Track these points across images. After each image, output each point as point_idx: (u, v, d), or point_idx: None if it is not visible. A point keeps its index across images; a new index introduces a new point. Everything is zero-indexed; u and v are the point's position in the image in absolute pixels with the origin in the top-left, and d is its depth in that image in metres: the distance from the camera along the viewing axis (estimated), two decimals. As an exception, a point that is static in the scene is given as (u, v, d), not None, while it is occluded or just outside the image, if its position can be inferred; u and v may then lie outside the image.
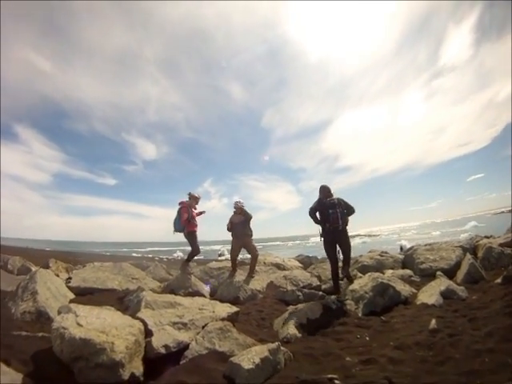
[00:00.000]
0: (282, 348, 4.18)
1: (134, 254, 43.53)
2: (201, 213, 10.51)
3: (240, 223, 10.01)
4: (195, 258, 10.90)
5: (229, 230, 10.24)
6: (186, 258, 10.35)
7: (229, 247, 10.93)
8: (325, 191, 8.72)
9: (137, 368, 3.89)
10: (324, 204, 8.34)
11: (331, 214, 8.09)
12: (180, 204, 10.16)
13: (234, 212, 10.18)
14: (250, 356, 3.86)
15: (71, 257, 23.07)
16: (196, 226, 10.11)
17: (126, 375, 3.64)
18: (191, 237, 10.08)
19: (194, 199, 10.25)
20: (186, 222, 9.83)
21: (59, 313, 4.66)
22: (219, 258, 28.61)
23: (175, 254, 44.44)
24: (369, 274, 7.74)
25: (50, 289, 7.24)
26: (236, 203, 10.18)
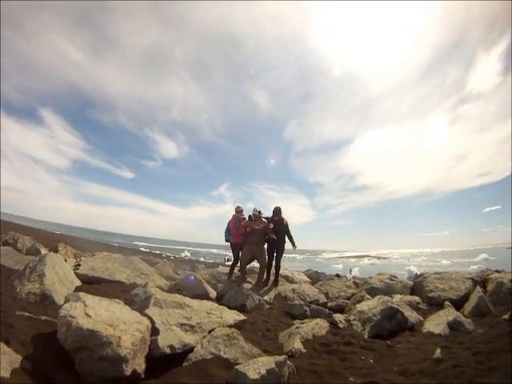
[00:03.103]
0: (287, 362, 4.17)
1: (142, 249, 43.59)
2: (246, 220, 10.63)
3: (258, 231, 10.03)
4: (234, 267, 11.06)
5: (241, 234, 10.31)
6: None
7: None
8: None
9: (139, 365, 3.90)
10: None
11: None
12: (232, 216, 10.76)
13: (252, 219, 10.21)
14: (256, 366, 3.84)
15: (80, 243, 23.20)
16: (237, 237, 10.45)
17: (128, 371, 3.66)
18: (231, 247, 10.75)
19: (237, 212, 10.65)
20: (233, 232, 10.54)
21: (67, 300, 4.67)
22: (226, 263, 28.55)
23: (183, 254, 44.48)
24: (378, 296, 7.67)
25: (58, 273, 7.34)
26: (257, 211, 10.29)
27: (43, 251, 11.50)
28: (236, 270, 10.75)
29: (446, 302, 8.43)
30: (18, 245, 11.64)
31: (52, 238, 21.33)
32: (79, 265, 9.31)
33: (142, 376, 3.87)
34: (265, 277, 10.48)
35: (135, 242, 69.64)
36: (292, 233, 10.59)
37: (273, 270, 10.74)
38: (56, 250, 11.71)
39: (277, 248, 10.52)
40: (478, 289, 8.37)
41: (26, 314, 5.14)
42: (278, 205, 10.63)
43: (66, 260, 9.49)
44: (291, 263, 46.43)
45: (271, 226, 10.25)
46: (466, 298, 8.70)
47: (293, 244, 10.63)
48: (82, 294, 4.82)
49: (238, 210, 10.54)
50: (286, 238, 10.57)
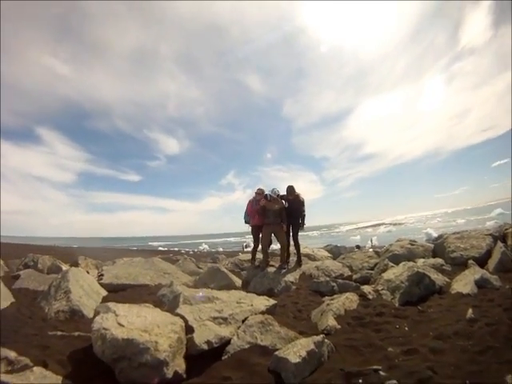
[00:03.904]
0: (325, 340, 4.21)
1: (161, 248, 43.69)
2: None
3: (274, 211, 10.09)
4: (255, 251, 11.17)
5: (260, 215, 10.31)
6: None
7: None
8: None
9: (179, 366, 3.91)
10: None
11: None
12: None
13: (269, 200, 10.23)
14: (295, 349, 3.86)
15: (99, 253, 23.26)
16: (257, 220, 10.41)
17: (169, 373, 3.67)
18: (251, 231, 10.71)
19: (257, 194, 10.62)
20: (252, 215, 10.51)
21: (98, 313, 4.65)
22: (245, 250, 28.60)
23: (201, 247, 44.61)
24: (403, 263, 7.73)
25: (83, 286, 7.40)
26: (275, 193, 10.38)
27: (64, 267, 11.54)
28: (259, 255, 10.80)
29: (470, 261, 8.46)
30: (39, 265, 11.65)
31: (70, 253, 21.38)
32: (102, 275, 9.43)
33: (184, 376, 3.88)
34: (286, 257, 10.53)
35: (152, 243, 69.76)
36: (306, 212, 10.64)
37: (293, 250, 10.81)
38: (77, 264, 11.82)
39: (292, 226, 10.60)
40: (500, 244, 8.43)
41: (59, 332, 5.21)
42: (288, 184, 10.69)
43: (88, 272, 9.67)
44: (309, 240, 46.56)
45: (286, 205, 10.44)
46: (488, 254, 8.77)
47: (302, 224, 10.71)
48: (111, 304, 4.83)
49: (258, 193, 10.53)
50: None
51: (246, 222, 10.77)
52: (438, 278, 7.15)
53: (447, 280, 7.34)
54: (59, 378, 3.59)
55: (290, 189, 10.58)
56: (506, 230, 9.89)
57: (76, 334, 5.14)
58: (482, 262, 8.47)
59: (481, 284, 6.48)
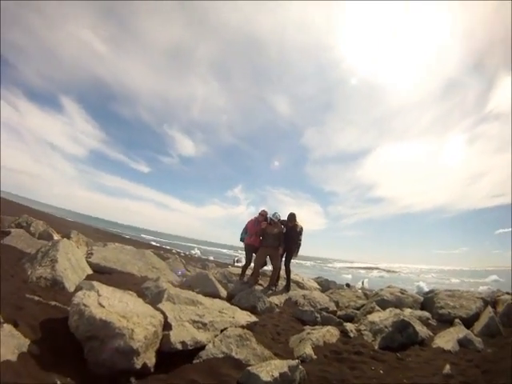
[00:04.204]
0: (300, 366, 4.19)
1: (153, 243, 43.66)
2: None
3: (273, 234, 10.16)
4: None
5: (257, 236, 10.36)
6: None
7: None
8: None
9: (149, 359, 3.91)
10: None
11: None
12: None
13: (269, 223, 10.29)
14: (269, 369, 3.87)
15: (92, 232, 23.37)
16: (253, 239, 10.46)
17: (138, 364, 3.67)
18: (245, 248, 10.73)
19: (260, 215, 10.60)
20: (251, 232, 10.53)
21: (80, 288, 4.73)
22: (235, 264, 28.61)
23: (193, 251, 44.60)
24: (390, 309, 7.72)
25: (70, 260, 7.42)
26: (276, 218, 10.44)
27: (56, 237, 11.66)
28: (248, 272, 10.81)
29: (456, 320, 8.40)
30: (31, 228, 11.73)
31: (64, 225, 21.52)
32: (92, 253, 9.42)
33: (152, 370, 3.89)
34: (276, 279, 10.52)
35: (145, 236, 69.76)
36: (302, 241, 10.70)
37: (283, 275, 10.85)
38: (69, 237, 11.77)
39: (287, 251, 10.64)
40: (489, 309, 8.34)
41: (36, 297, 5.18)
42: (291, 211, 10.93)
43: (77, 247, 9.60)
44: (301, 269, 46.31)
45: (284, 230, 10.46)
46: (476, 317, 8.68)
47: (296, 252, 10.75)
48: (95, 283, 4.90)
49: (262, 214, 10.54)
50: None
51: (241, 240, 10.79)
52: (422, 331, 7.09)
53: (431, 334, 7.27)
54: (27, 341, 3.59)
55: (292, 216, 10.65)
56: (498, 296, 9.87)
57: (53, 303, 5.10)
58: (468, 323, 8.37)
59: (463, 343, 6.44)
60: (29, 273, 6.55)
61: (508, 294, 10.41)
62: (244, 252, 10.91)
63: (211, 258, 39.41)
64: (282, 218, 10.61)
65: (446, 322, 8.66)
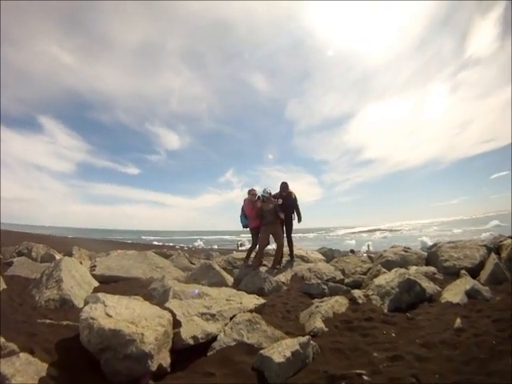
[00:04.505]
0: (311, 342, 4.19)
1: (155, 243, 43.74)
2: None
3: (269, 211, 10.17)
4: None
5: (258, 217, 10.34)
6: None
7: (249, 237, 11.06)
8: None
9: (164, 359, 3.91)
10: None
11: None
12: (244, 201, 10.84)
13: (263, 200, 10.31)
14: (280, 349, 3.86)
15: (93, 244, 23.35)
16: (256, 221, 10.47)
17: (154, 366, 3.66)
18: (251, 233, 10.79)
19: (252, 195, 10.65)
20: (251, 216, 10.56)
21: (87, 302, 4.66)
22: (239, 249, 28.61)
23: (196, 243, 44.69)
24: (395, 269, 7.68)
25: (75, 277, 7.41)
26: (267, 192, 10.48)
27: (57, 256, 11.60)
28: (253, 254, 10.82)
29: (462, 271, 8.47)
30: (33, 253, 11.72)
31: (65, 243, 21.44)
32: (95, 266, 9.46)
33: (168, 370, 3.89)
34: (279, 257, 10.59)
35: (147, 237, 69.82)
36: (300, 208, 10.77)
37: (286, 251, 10.90)
38: (70, 254, 11.85)
39: (286, 223, 10.83)
40: (493, 256, 8.39)
41: (47, 321, 5.20)
42: (283, 181, 10.85)
43: (81, 262, 9.70)
44: (304, 242, 46.59)
45: (280, 201, 10.47)
46: (481, 265, 8.72)
47: (299, 218, 10.95)
48: (100, 295, 4.85)
49: (253, 194, 10.54)
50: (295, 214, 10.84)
51: (243, 226, 10.79)
52: (429, 286, 7.12)
53: (438, 289, 7.30)
54: (45, 366, 3.57)
55: (284, 185, 10.85)
56: (501, 242, 9.87)
57: (65, 323, 5.13)
58: (474, 272, 8.44)
59: (471, 294, 6.44)
60: (37, 298, 6.56)
61: (510, 237, 10.41)
62: (250, 236, 10.93)
63: (215, 246, 39.49)
64: (272, 193, 10.70)
65: (452, 274, 8.70)
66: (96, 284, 8.22)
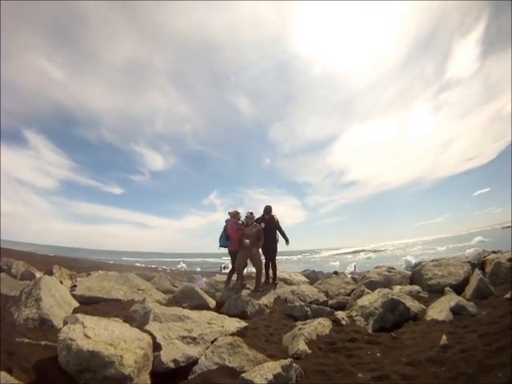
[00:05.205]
0: (294, 364, 4.11)
1: (138, 264, 43.36)
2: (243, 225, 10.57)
3: (252, 235, 10.10)
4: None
5: (240, 241, 10.23)
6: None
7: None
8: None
9: (144, 382, 3.88)
10: None
11: None
12: (226, 221, 10.66)
13: (244, 224, 10.31)
14: (262, 372, 3.77)
15: (75, 263, 23.09)
16: (237, 243, 10.35)
17: (133, 389, 3.59)
18: (230, 254, 10.74)
19: (232, 216, 10.57)
20: (234, 237, 10.37)
21: (66, 323, 4.63)
22: (223, 271, 28.53)
23: (179, 266, 44.26)
24: (378, 290, 7.65)
25: (55, 296, 7.25)
26: (249, 212, 10.37)
27: (38, 275, 11.40)
28: (234, 278, 10.75)
29: (447, 288, 8.49)
30: (13, 270, 11.48)
31: (46, 261, 21.18)
32: (75, 286, 9.25)
33: (149, 393, 3.78)
34: (263, 279, 10.58)
35: (129, 258, 69.42)
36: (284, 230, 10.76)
37: (270, 274, 10.84)
38: (51, 273, 11.55)
39: (270, 247, 10.72)
40: (477, 271, 8.45)
41: (26, 340, 5.06)
42: (266, 204, 10.81)
43: (61, 282, 9.48)
44: (287, 265, 46.57)
45: (262, 225, 10.45)
46: (465, 281, 8.78)
47: (286, 240, 10.89)
48: (79, 316, 4.78)
49: (238, 218, 10.53)
50: (279, 237, 10.79)
51: (222, 246, 10.65)
52: (414, 305, 7.13)
53: (423, 307, 7.30)
54: (22, 385, 3.51)
55: (268, 209, 10.83)
56: (485, 257, 10.04)
57: (43, 342, 5.03)
58: (459, 289, 8.48)
59: (456, 311, 6.43)
60: (15, 316, 6.35)
61: (494, 252, 10.55)
62: (229, 258, 10.80)
63: (198, 269, 39.21)
64: (255, 216, 10.61)
65: (437, 292, 8.74)
66: (76, 304, 8.01)
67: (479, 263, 9.77)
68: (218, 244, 10.68)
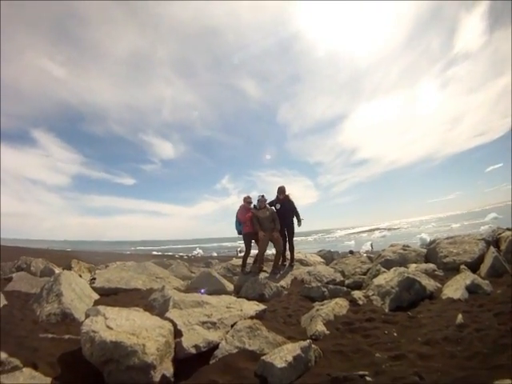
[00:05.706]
0: (312, 345, 4.19)
1: (155, 253, 43.43)
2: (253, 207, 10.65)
3: (267, 218, 10.12)
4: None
5: (251, 223, 10.25)
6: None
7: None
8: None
9: (167, 369, 3.91)
10: None
11: None
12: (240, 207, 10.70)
13: (257, 207, 10.32)
14: (282, 354, 3.85)
15: (92, 256, 23.22)
16: (248, 227, 10.35)
17: (157, 377, 3.67)
18: (243, 238, 10.66)
19: (246, 202, 10.58)
20: (244, 222, 10.39)
21: (87, 316, 4.66)
22: (239, 255, 28.51)
23: (195, 252, 44.26)
24: (394, 268, 7.69)
25: (75, 290, 7.34)
26: (261, 197, 10.45)
27: (57, 270, 11.50)
28: (250, 260, 10.78)
29: (462, 266, 8.46)
30: (32, 268, 11.60)
31: (64, 256, 21.29)
32: (94, 278, 9.38)
33: (172, 380, 3.88)
34: (280, 262, 10.58)
35: (146, 247, 69.60)
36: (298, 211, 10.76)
37: (286, 255, 10.87)
38: (69, 268, 11.70)
39: (286, 228, 10.73)
40: (492, 249, 8.37)
41: (49, 335, 5.17)
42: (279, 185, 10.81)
43: (80, 276, 9.59)
44: (303, 245, 46.42)
45: (278, 206, 10.53)
46: (480, 259, 8.73)
47: (298, 220, 10.88)
48: (101, 308, 4.84)
49: (248, 201, 10.51)
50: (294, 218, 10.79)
51: (238, 233, 10.67)
52: (430, 284, 7.12)
53: (438, 285, 7.30)
54: (48, 380, 3.61)
55: (282, 188, 10.79)
56: (499, 234, 9.86)
57: (66, 336, 5.12)
58: (474, 266, 8.46)
59: (472, 289, 6.45)
60: (38, 312, 6.51)
61: (509, 229, 10.40)
62: (243, 242, 10.83)
63: (214, 254, 39.20)
64: (267, 200, 10.63)
65: (452, 270, 8.70)
66: (96, 297, 8.15)
67: (494, 240, 9.64)
68: (236, 232, 10.75)
